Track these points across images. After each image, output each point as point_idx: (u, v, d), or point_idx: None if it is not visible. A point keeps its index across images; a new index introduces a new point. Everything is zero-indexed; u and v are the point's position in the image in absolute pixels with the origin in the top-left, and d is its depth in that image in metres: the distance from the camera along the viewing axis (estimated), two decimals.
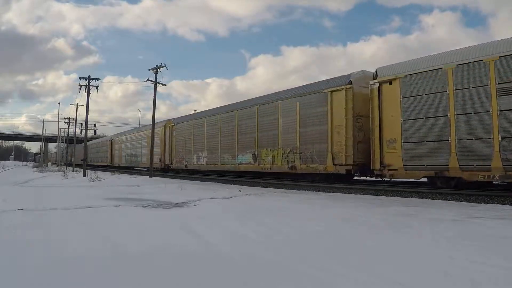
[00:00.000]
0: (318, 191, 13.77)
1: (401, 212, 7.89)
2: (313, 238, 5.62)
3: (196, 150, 23.44)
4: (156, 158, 27.71)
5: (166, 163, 27.85)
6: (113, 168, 40.72)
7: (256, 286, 3.57)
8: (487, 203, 9.25)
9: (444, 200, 10.10)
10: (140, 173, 31.16)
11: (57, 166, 60.54)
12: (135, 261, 4.36)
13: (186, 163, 24.68)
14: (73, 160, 47.65)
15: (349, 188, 13.07)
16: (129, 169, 36.98)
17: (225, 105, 21.79)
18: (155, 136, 27.71)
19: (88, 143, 54.72)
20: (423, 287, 3.48)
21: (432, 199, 10.33)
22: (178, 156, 25.94)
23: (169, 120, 28.65)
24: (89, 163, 51.50)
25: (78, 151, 53.36)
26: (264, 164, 17.22)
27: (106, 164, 45.66)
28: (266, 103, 17.58)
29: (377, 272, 3.86)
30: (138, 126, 40.24)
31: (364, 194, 12.16)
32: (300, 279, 3.69)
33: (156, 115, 29.04)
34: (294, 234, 5.90)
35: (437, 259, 4.28)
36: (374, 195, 11.80)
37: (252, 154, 18.04)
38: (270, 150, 16.85)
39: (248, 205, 9.62)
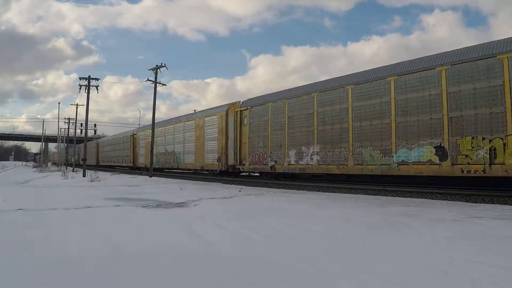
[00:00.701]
0: (318, 191, 13.77)
1: (401, 212, 7.90)
2: (313, 238, 5.62)
3: (295, 144, 15.62)
4: (211, 158, 21.45)
5: (230, 164, 19.87)
6: (136, 170, 33.65)
7: (256, 286, 3.57)
8: (487, 203, 9.25)
9: (444, 200, 10.10)
10: (140, 173, 30.17)
11: (57, 166, 60.52)
12: (135, 261, 4.36)
13: (273, 163, 16.74)
14: (73, 160, 47.42)
15: (349, 188, 13.06)
16: (161, 171, 29.62)
17: (364, 71, 13.86)
18: (205, 127, 22.26)
19: (101, 139, 50.95)
20: (423, 287, 3.48)
21: (432, 199, 10.33)
22: (256, 154, 17.91)
23: (234, 103, 20.45)
24: (101, 164, 47.07)
25: (83, 151, 51.24)
26: (469, 164, 10.17)
27: (126, 165, 37.18)
28: (468, 61, 10.41)
29: (377, 272, 3.86)
30: (181, 115, 29.73)
31: (364, 194, 12.16)
32: (300, 279, 3.69)
33: (156, 115, 28.87)
34: (294, 234, 5.89)
35: (437, 259, 4.28)
36: (374, 195, 11.80)
37: (436, 147, 10.95)
38: (483, 138, 9.94)
39: (248, 205, 9.62)
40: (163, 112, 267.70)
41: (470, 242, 5.07)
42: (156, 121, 28.39)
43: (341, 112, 13.79)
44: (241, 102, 19.83)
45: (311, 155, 14.88)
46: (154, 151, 28.71)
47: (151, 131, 28.56)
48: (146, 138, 31.40)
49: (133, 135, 35.70)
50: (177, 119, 27.28)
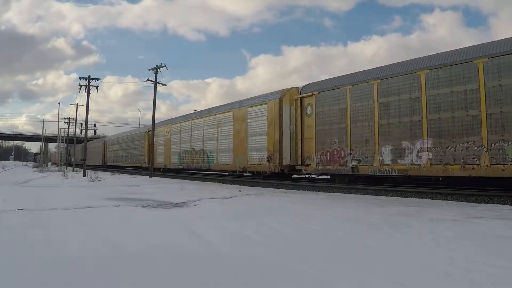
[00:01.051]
0: (318, 191, 13.76)
1: (401, 212, 7.90)
2: (313, 238, 5.62)
3: (390, 138, 12.07)
4: (258, 157, 17.56)
5: (286, 164, 16.16)
6: (154, 171, 28.18)
7: (256, 286, 3.57)
8: (487, 203, 9.25)
9: (444, 200, 10.10)
10: (140, 173, 29.79)
11: (57, 166, 60.53)
12: (135, 261, 4.36)
13: (355, 163, 13.11)
14: (73, 160, 47.27)
15: (349, 188, 13.05)
16: (180, 173, 26.35)
17: (502, 40, 10.14)
18: (249, 120, 18.37)
19: (109, 137, 48.07)
20: (423, 287, 3.48)
21: (432, 199, 10.33)
22: (327, 151, 14.18)
23: (290, 88, 16.69)
24: (109, 164, 43.67)
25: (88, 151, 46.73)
26: None
27: (140, 165, 32.93)
28: None
29: (377, 272, 3.86)
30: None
31: (364, 194, 12.15)
32: (300, 279, 3.69)
33: (156, 115, 28.80)
34: (294, 234, 5.90)
35: (437, 259, 4.28)
36: (374, 195, 11.80)
37: None
38: None
39: (248, 205, 9.62)
40: (163, 112, 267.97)
41: (470, 242, 5.07)
42: (156, 121, 28.37)
43: (467, 95, 10.34)
44: (300, 87, 16.15)
45: (418, 152, 11.33)
46: (177, 150, 26.17)
47: (172, 126, 26.09)
48: (166, 134, 27.82)
49: (149, 131, 31.16)
50: (209, 111, 23.21)
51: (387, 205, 9.18)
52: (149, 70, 27.12)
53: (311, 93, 15.08)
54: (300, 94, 15.73)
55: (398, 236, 5.61)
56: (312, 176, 16.52)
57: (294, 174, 17.02)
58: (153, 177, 24.72)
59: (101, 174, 27.99)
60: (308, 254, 4.65)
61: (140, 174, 29.23)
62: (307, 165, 15.04)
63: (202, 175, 24.50)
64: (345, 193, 12.72)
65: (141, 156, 32.82)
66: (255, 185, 16.76)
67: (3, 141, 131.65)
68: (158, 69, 26.85)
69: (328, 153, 14.17)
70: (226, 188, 15.53)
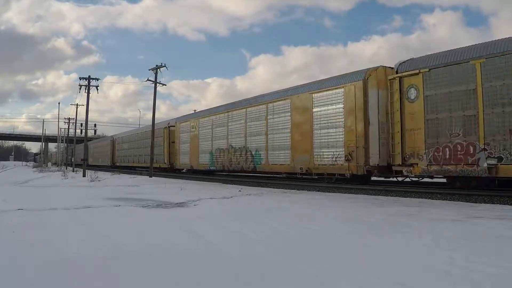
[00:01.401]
0: (318, 191, 13.75)
1: (401, 212, 7.89)
2: (313, 238, 5.62)
3: None
4: (330, 155, 13.97)
5: (374, 164, 12.65)
6: (176, 172, 26.89)
7: (256, 286, 3.57)
8: (487, 203, 9.25)
9: (444, 200, 10.09)
10: (140, 173, 29.59)
11: (57, 166, 60.54)
12: (135, 261, 4.36)
13: (492, 161, 9.82)
14: (73, 160, 47.25)
15: (349, 188, 13.03)
16: (213, 175, 23.70)
17: None
18: (315, 108, 14.68)
19: (118, 135, 44.18)
20: (423, 287, 3.48)
21: (432, 199, 10.32)
22: (445, 146, 10.73)
23: (377, 68, 13.24)
24: (119, 165, 40.39)
25: (91, 150, 42.55)
26: None
27: (157, 165, 28.57)
28: None
29: (377, 272, 3.86)
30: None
31: (364, 194, 12.14)
32: (300, 279, 3.69)
33: (156, 115, 28.74)
34: (294, 234, 5.90)
35: (437, 259, 4.28)
36: (374, 195, 11.79)
37: None
38: None
39: (248, 205, 9.62)
40: (163, 112, 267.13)
41: (470, 242, 5.07)
42: (156, 121, 28.35)
43: None
44: (396, 65, 12.38)
45: None
46: (208, 148, 22.33)
47: (201, 120, 23.13)
48: (193, 129, 23.95)
49: (169, 127, 27.78)
50: (255, 99, 18.80)
51: (387, 205, 9.18)
52: (149, 70, 27.16)
53: (417, 71, 11.44)
54: (397, 73, 12.12)
55: (398, 236, 5.61)
56: (413, 179, 12.60)
57: (378, 176, 13.71)
58: (153, 177, 24.74)
59: (101, 174, 28.01)
60: (308, 254, 4.65)
61: (141, 174, 29.15)
62: (411, 165, 11.59)
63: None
64: (345, 193, 12.72)
65: (159, 156, 28.65)
66: (255, 185, 16.79)
67: (3, 141, 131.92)
68: (158, 69, 26.87)
69: (447, 149, 10.74)
70: (226, 188, 15.53)
